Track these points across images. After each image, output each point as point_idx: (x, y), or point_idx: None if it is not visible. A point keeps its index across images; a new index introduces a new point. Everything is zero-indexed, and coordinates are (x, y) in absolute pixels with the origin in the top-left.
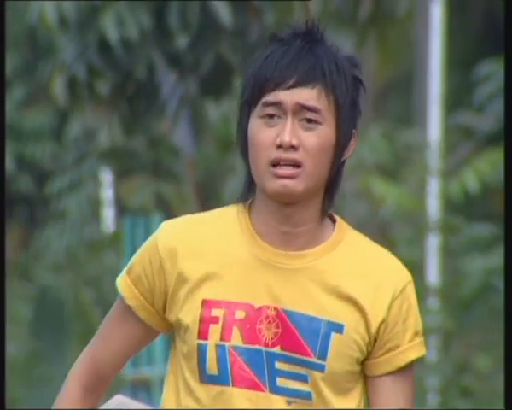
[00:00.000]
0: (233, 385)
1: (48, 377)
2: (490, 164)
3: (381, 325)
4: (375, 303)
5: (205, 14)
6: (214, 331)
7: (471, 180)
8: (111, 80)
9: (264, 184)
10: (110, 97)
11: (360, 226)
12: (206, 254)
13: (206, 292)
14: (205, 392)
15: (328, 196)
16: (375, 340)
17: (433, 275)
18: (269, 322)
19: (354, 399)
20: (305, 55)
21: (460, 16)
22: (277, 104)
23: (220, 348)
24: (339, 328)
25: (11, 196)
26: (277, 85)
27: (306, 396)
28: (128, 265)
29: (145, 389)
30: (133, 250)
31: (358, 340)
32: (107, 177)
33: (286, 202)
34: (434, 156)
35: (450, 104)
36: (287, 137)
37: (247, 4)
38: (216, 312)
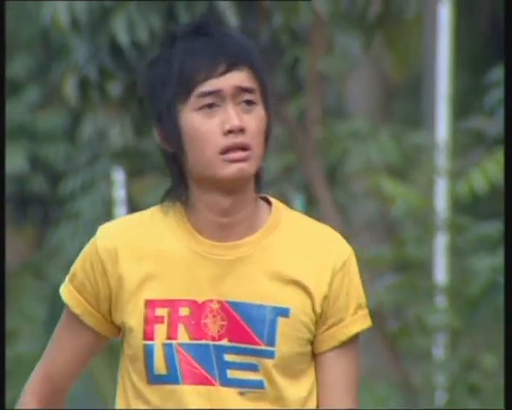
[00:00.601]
0: (183, 383)
1: None
2: (497, 164)
3: (323, 301)
4: (317, 280)
5: (212, 15)
6: (160, 331)
7: (479, 181)
8: (122, 82)
9: (216, 171)
10: (121, 98)
11: (369, 225)
12: (146, 254)
13: (149, 292)
14: (154, 393)
15: (258, 178)
16: (320, 317)
17: (441, 274)
18: (214, 316)
19: (307, 381)
20: (223, 41)
21: (467, 19)
22: (215, 92)
23: (167, 347)
24: (284, 312)
25: (25, 196)
26: (209, 74)
27: (258, 385)
28: (70, 272)
29: None
30: None
31: (306, 320)
32: (119, 177)
33: (230, 190)
34: (442, 157)
35: (457, 106)
36: (236, 121)
37: (257, 5)
38: (160, 311)
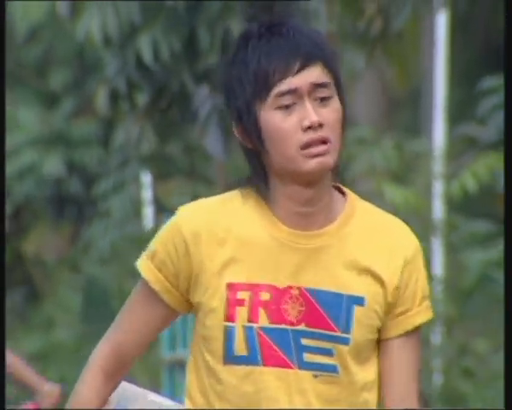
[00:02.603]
0: (263, 364)
1: None
2: (486, 167)
3: (395, 291)
4: (390, 271)
5: (227, 40)
6: (241, 313)
7: (469, 181)
8: (148, 93)
9: (298, 166)
10: (147, 108)
11: None
12: (228, 239)
13: (231, 276)
14: (230, 373)
15: (335, 168)
16: (389, 306)
17: (438, 268)
18: (293, 301)
19: (373, 366)
20: (296, 39)
21: (462, 35)
22: (292, 91)
23: (248, 330)
24: (360, 301)
25: (62, 197)
26: (285, 73)
27: (332, 369)
28: (149, 249)
29: (181, 369)
30: None
31: (378, 309)
32: (147, 179)
33: (311, 182)
34: (438, 162)
35: (453, 115)
36: (314, 117)
37: None
38: (241, 294)
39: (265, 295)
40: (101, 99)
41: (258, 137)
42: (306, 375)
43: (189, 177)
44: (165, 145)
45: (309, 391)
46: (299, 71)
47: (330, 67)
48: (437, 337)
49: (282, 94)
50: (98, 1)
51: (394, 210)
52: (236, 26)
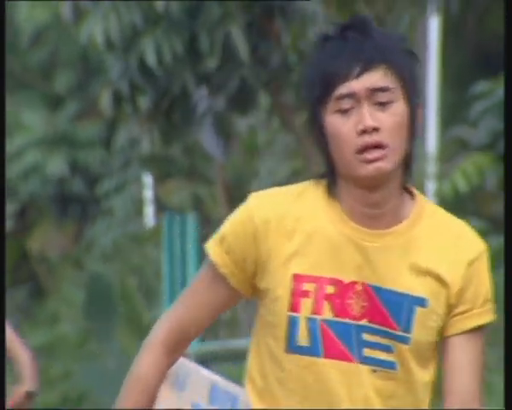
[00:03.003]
0: (323, 356)
1: (97, 353)
2: (476, 167)
3: (457, 292)
4: (453, 274)
5: (227, 45)
6: (305, 305)
7: (460, 181)
8: (150, 95)
9: (355, 171)
10: (149, 110)
11: None
12: (297, 231)
13: (297, 267)
14: (292, 361)
15: (406, 170)
16: (451, 306)
17: None
18: (357, 296)
19: (432, 367)
20: (362, 43)
21: (455, 39)
22: (351, 95)
23: (311, 321)
24: (422, 302)
25: (66, 196)
26: (347, 77)
27: (390, 366)
28: (219, 234)
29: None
30: (171, 243)
31: (439, 311)
32: (148, 179)
33: (373, 186)
34: (431, 164)
35: (445, 118)
36: (369, 121)
37: (270, 29)
38: (307, 286)
39: (330, 289)
40: (105, 101)
41: (324, 140)
42: (365, 369)
43: (189, 177)
44: (168, 146)
45: (367, 385)
46: (359, 75)
47: (395, 71)
48: None
49: (342, 97)
50: (101, 2)
51: None
52: (236, 30)
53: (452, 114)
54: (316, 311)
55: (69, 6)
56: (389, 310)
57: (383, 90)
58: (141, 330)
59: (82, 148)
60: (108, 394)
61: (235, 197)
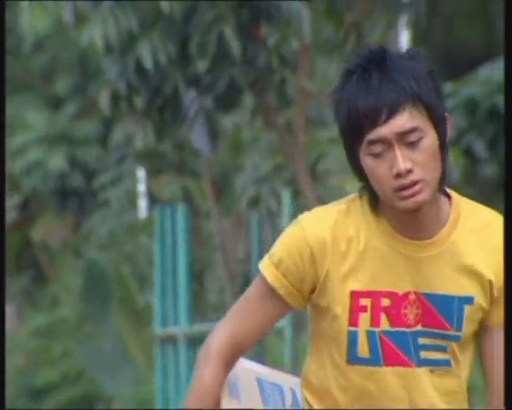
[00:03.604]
0: (384, 365)
1: (93, 334)
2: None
3: (501, 286)
4: (495, 268)
5: (220, 45)
6: (364, 319)
7: None
8: (144, 95)
9: (396, 204)
10: (144, 109)
11: None
12: (351, 249)
13: (353, 284)
14: (355, 372)
15: (442, 180)
16: (495, 299)
17: None
18: (411, 305)
19: (472, 349)
20: (385, 85)
21: (423, 46)
22: (381, 140)
23: (370, 334)
24: (470, 301)
25: (65, 190)
26: (374, 124)
27: (446, 363)
28: (273, 255)
29: (172, 344)
30: (162, 233)
31: (484, 305)
32: (141, 174)
33: (414, 212)
34: None
35: None
36: (402, 166)
37: (256, 34)
38: (364, 301)
39: (386, 301)
40: (104, 100)
41: (362, 174)
42: (424, 371)
43: (179, 172)
44: (160, 143)
45: (427, 385)
46: (385, 121)
47: (421, 106)
48: None
49: (372, 143)
50: (100, 8)
51: None
52: (229, 31)
53: None
54: (374, 324)
55: (70, 11)
56: (441, 313)
57: (412, 131)
58: (134, 314)
59: (80, 145)
60: (104, 372)
61: (221, 190)
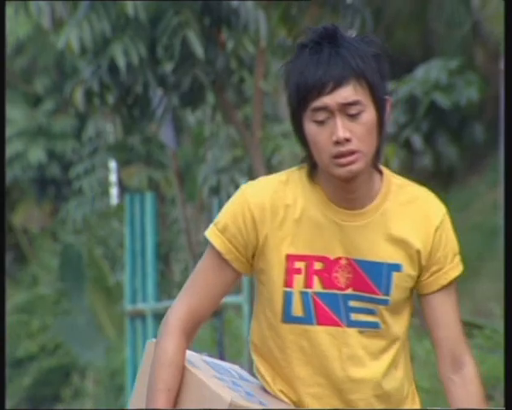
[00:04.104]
0: (316, 324)
1: (69, 310)
2: (392, 149)
3: (428, 255)
4: (423, 239)
5: (184, 48)
6: (298, 281)
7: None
8: (116, 93)
9: (332, 171)
10: (115, 106)
11: None
12: (288, 216)
13: (289, 248)
14: (288, 330)
15: (377, 156)
16: (423, 268)
17: None
18: (342, 270)
19: (406, 317)
20: (333, 59)
21: None
22: (325, 108)
23: (304, 295)
24: (398, 268)
25: (44, 179)
26: (320, 92)
27: (375, 326)
28: (219, 223)
29: (141, 320)
30: (132, 218)
31: (413, 274)
32: (112, 165)
33: (349, 181)
34: None
35: None
36: (341, 134)
37: (217, 38)
38: (298, 264)
39: (318, 265)
40: (79, 97)
41: (304, 140)
42: (353, 331)
43: (147, 163)
44: (130, 137)
45: (355, 344)
46: (331, 91)
47: (365, 82)
48: None
49: (317, 110)
50: (76, 13)
51: None
52: (192, 35)
53: None
54: (307, 285)
55: (48, 16)
56: (371, 278)
57: (354, 103)
58: (106, 291)
59: (57, 138)
60: (79, 344)
61: (186, 180)
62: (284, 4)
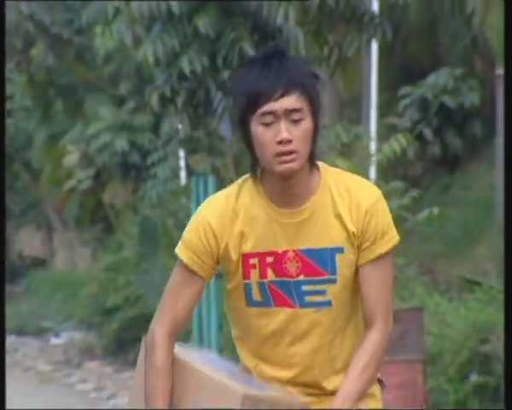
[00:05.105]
0: (275, 306)
1: (147, 269)
2: (400, 144)
3: (360, 235)
4: (356, 222)
5: (240, 58)
6: (254, 274)
7: (388, 151)
8: (184, 96)
9: (273, 169)
10: (183, 106)
11: None
12: (240, 221)
13: (244, 247)
14: (252, 312)
15: (312, 157)
16: (358, 246)
17: None
18: (291, 261)
19: (354, 288)
20: (282, 71)
21: (388, 58)
22: (272, 112)
23: (261, 284)
24: (340, 250)
25: (127, 165)
26: (269, 99)
27: (328, 304)
28: (185, 239)
29: None
30: (197, 197)
31: (352, 253)
32: (181, 154)
33: (287, 177)
34: (372, 142)
35: (382, 111)
36: (284, 135)
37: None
38: (253, 260)
39: (270, 259)
40: (154, 100)
41: (249, 142)
42: (308, 311)
43: (209, 152)
44: (194, 131)
45: (309, 322)
46: (278, 98)
47: (306, 95)
48: None
49: (265, 114)
50: (151, 32)
51: None
52: (247, 46)
53: (387, 108)
54: (262, 277)
55: (129, 35)
56: (318, 263)
57: (296, 111)
58: (176, 255)
59: (137, 132)
60: (155, 297)
61: (241, 165)
62: (317, 22)
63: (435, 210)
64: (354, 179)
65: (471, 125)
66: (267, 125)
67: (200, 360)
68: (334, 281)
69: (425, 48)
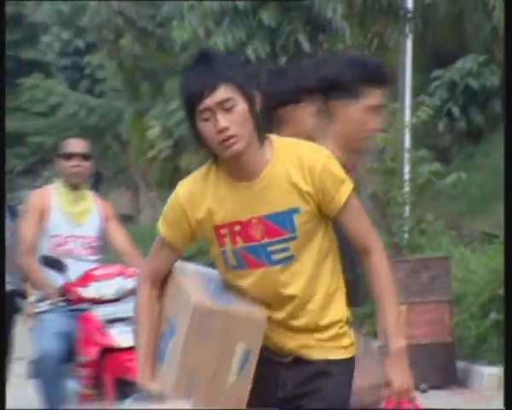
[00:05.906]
0: (247, 268)
1: None
2: (430, 118)
3: (318, 193)
4: (310, 183)
5: (295, 46)
6: (227, 242)
7: (418, 119)
8: None
9: (221, 154)
10: None
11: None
12: (207, 197)
13: (215, 220)
14: (230, 274)
15: (258, 132)
16: (319, 202)
17: (407, 176)
18: (255, 227)
19: (318, 238)
20: (207, 72)
21: (421, 45)
22: (207, 109)
23: (234, 250)
24: (297, 211)
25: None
26: (201, 98)
27: (292, 258)
28: (164, 214)
29: None
30: None
31: (309, 210)
32: None
33: (237, 158)
34: (407, 118)
35: (415, 91)
36: (221, 124)
37: (317, 41)
38: (223, 231)
39: (237, 228)
40: None
41: (199, 136)
42: (276, 268)
43: None
44: None
45: (278, 276)
46: (208, 95)
47: (232, 84)
48: (406, 212)
49: (202, 111)
50: (221, 25)
51: (383, 148)
52: (302, 38)
53: (420, 88)
54: (234, 244)
55: (202, 28)
56: (278, 225)
57: (226, 100)
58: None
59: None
60: None
61: None
62: (361, 15)
63: (463, 175)
64: (304, 146)
65: (492, 103)
66: (206, 119)
67: (192, 274)
68: (294, 238)
69: (452, 37)
